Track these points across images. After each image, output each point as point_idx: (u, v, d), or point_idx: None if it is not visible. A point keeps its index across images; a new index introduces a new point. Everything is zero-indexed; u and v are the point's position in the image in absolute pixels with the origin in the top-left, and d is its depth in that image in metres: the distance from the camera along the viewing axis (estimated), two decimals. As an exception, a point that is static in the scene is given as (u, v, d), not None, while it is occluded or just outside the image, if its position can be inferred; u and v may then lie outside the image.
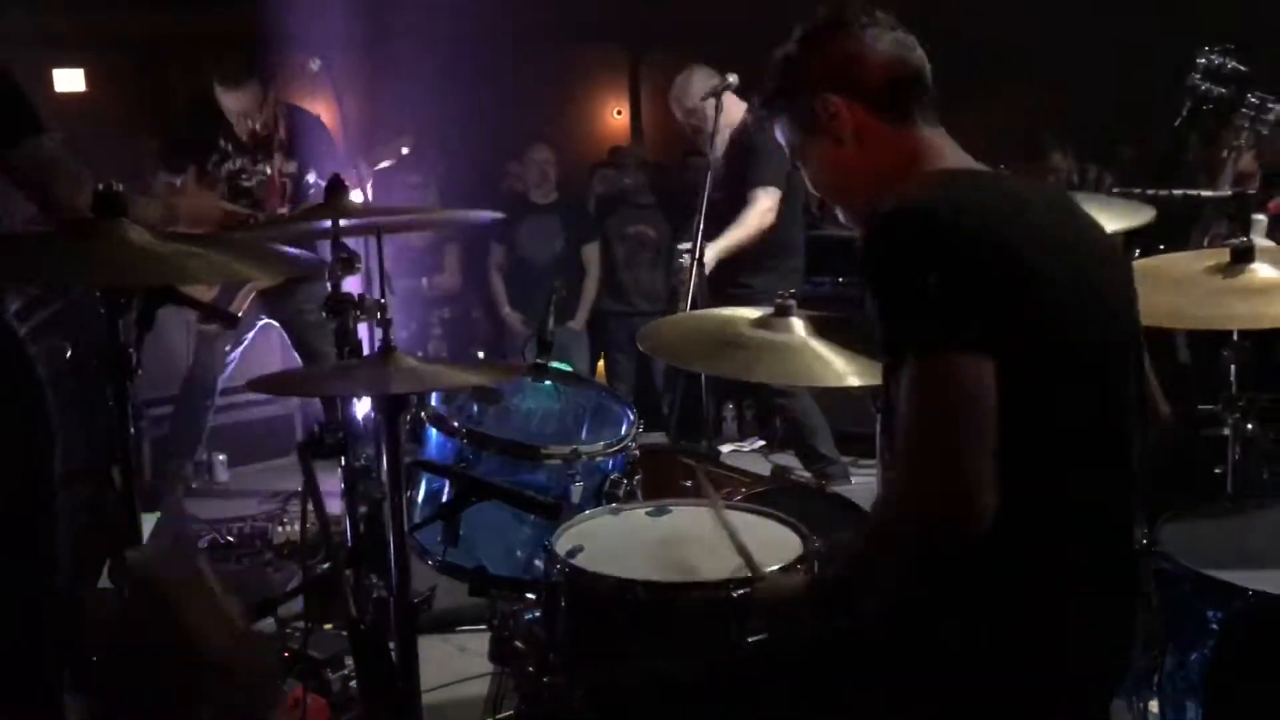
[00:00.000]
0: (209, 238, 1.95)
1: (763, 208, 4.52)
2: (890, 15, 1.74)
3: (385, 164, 4.96)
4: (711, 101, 4.31)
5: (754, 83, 4.55)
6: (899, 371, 1.48)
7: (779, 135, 1.82)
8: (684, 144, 6.07)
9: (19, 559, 2.37)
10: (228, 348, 4.78)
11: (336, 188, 2.29)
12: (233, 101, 4.60)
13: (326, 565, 2.27)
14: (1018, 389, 1.45)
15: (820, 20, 1.75)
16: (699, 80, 4.60)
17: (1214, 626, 1.99)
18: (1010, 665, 1.51)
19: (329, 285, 2.43)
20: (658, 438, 5.06)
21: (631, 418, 2.73)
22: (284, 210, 4.63)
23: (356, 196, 4.31)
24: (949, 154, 1.70)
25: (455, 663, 3.15)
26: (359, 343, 2.42)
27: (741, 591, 1.94)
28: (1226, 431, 2.65)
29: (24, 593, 2.38)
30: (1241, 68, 3.73)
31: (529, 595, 2.43)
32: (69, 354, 2.51)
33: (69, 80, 8.80)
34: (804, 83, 1.72)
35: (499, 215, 3.01)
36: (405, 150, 5.00)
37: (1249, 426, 2.63)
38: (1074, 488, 1.53)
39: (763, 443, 5.70)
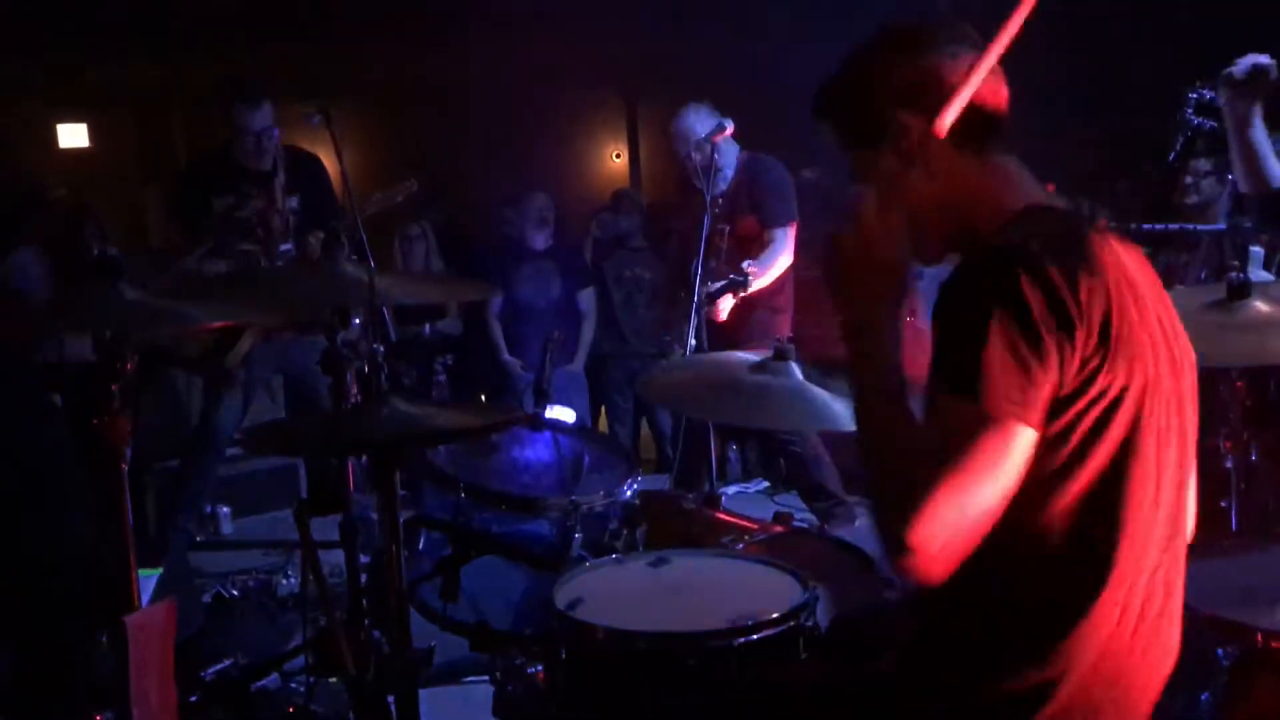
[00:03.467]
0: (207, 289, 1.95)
1: (788, 248, 4.59)
2: (976, 33, 1.59)
3: (384, 205, 4.96)
4: (712, 140, 4.35)
5: (750, 128, 4.65)
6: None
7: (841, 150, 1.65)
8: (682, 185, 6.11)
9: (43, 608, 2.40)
10: (238, 407, 4.78)
11: (331, 242, 2.30)
12: (253, 120, 4.65)
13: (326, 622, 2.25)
14: (1073, 454, 1.42)
15: (905, 29, 1.60)
16: (698, 118, 4.62)
17: (1224, 664, 1.97)
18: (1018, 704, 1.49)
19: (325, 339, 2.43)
20: (663, 480, 5.06)
21: (629, 466, 2.73)
22: (288, 246, 4.67)
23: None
24: (1030, 189, 1.58)
25: (460, 714, 3.12)
26: (355, 396, 2.41)
27: (743, 641, 1.93)
28: (1229, 465, 2.64)
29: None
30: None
31: (532, 647, 2.42)
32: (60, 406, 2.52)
33: (73, 135, 8.90)
34: (878, 93, 1.56)
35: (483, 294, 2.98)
36: (412, 189, 4.99)
37: (1252, 460, 2.62)
38: (1126, 559, 1.47)
39: (767, 484, 5.69)
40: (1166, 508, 1.51)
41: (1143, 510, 1.47)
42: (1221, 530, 2.58)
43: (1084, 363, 1.40)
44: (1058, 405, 1.41)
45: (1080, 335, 1.39)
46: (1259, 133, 2.78)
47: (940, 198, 1.57)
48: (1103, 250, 1.46)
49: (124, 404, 1.85)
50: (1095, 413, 1.42)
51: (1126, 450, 1.45)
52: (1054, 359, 1.38)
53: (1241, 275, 2.44)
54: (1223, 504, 2.70)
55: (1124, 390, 1.43)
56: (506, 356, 6.02)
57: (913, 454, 1.44)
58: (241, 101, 4.67)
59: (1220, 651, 1.98)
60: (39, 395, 2.48)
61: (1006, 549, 1.44)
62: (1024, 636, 1.48)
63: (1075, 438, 1.42)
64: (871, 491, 1.53)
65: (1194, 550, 2.20)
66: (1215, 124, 3.72)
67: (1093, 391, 1.41)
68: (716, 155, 4.34)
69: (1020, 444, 1.39)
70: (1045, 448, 1.42)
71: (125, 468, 1.88)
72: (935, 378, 1.43)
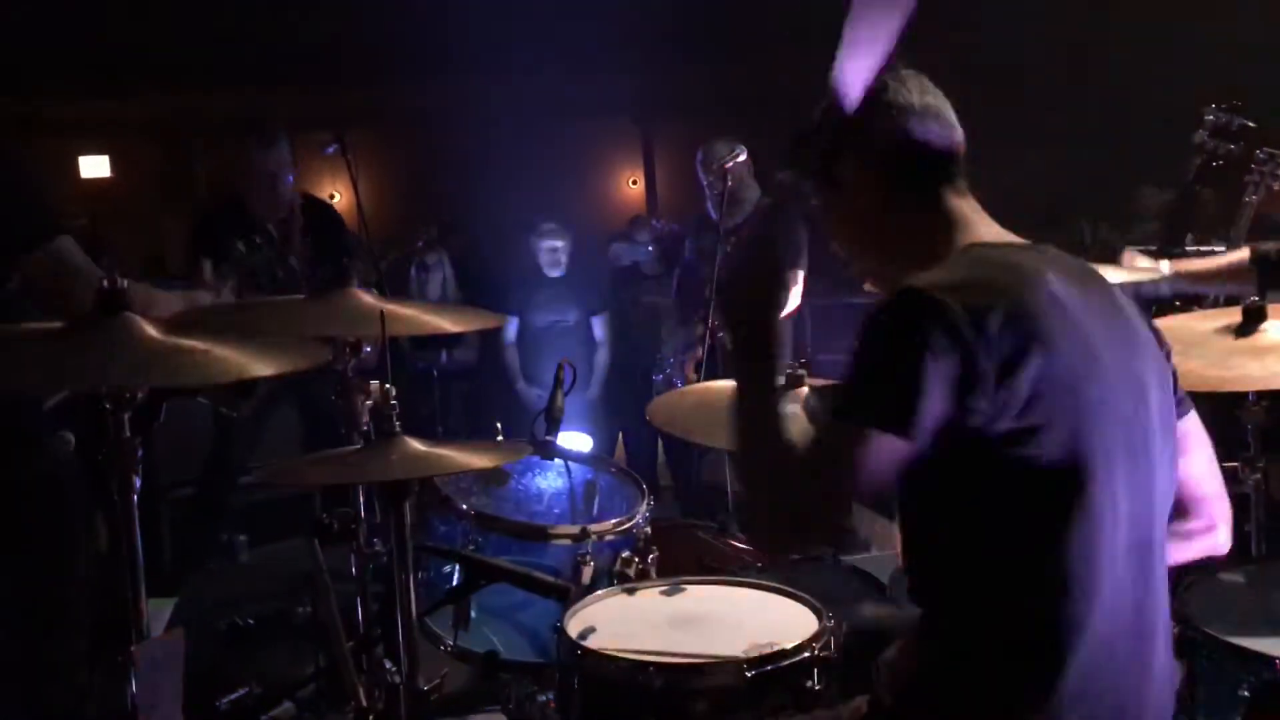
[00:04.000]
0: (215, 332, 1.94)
1: (795, 292, 4.57)
2: (924, 78, 1.67)
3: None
4: (736, 166, 4.36)
5: (763, 156, 4.67)
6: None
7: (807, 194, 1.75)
8: (698, 210, 6.13)
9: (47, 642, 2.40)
10: (251, 429, 4.78)
11: (344, 276, 2.31)
12: (267, 162, 4.57)
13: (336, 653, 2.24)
14: (1026, 477, 1.43)
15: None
16: (725, 148, 4.63)
17: (1244, 694, 1.94)
18: None
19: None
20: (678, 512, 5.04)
21: (641, 495, 2.72)
22: None
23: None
24: (977, 228, 1.63)
25: (474, 746, 3.11)
26: (368, 427, 2.42)
27: (756, 672, 1.91)
28: (1248, 490, 2.60)
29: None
30: (1249, 124, 3.74)
31: (543, 677, 2.40)
32: (72, 445, 2.53)
33: (95, 166, 8.99)
34: (828, 144, 1.66)
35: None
36: (421, 245, 5.03)
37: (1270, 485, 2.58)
38: (1090, 572, 1.47)
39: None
40: (1132, 528, 1.51)
41: (1102, 532, 1.47)
42: (1242, 556, 2.54)
43: (996, 394, 1.41)
44: (982, 438, 1.42)
45: (985, 367, 1.40)
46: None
47: (897, 239, 1.64)
48: (1034, 286, 1.48)
49: (134, 431, 1.85)
50: (1031, 444, 1.43)
51: (1072, 477, 1.45)
52: (951, 388, 1.40)
53: (1258, 299, 2.41)
54: (1246, 528, 2.67)
55: (1052, 422, 1.43)
56: (521, 385, 6.03)
57: (793, 453, 1.49)
58: (255, 142, 4.64)
59: (1240, 680, 1.94)
60: (42, 422, 2.48)
61: (979, 585, 1.49)
62: (1018, 675, 1.48)
63: (1013, 471, 1.44)
64: (746, 469, 1.59)
65: (1214, 577, 2.19)
66: (1233, 145, 3.72)
67: (1015, 424, 1.42)
68: (736, 187, 4.36)
69: (887, 451, 1.41)
70: (989, 480, 1.45)
71: (135, 496, 1.87)
72: (829, 401, 1.50)
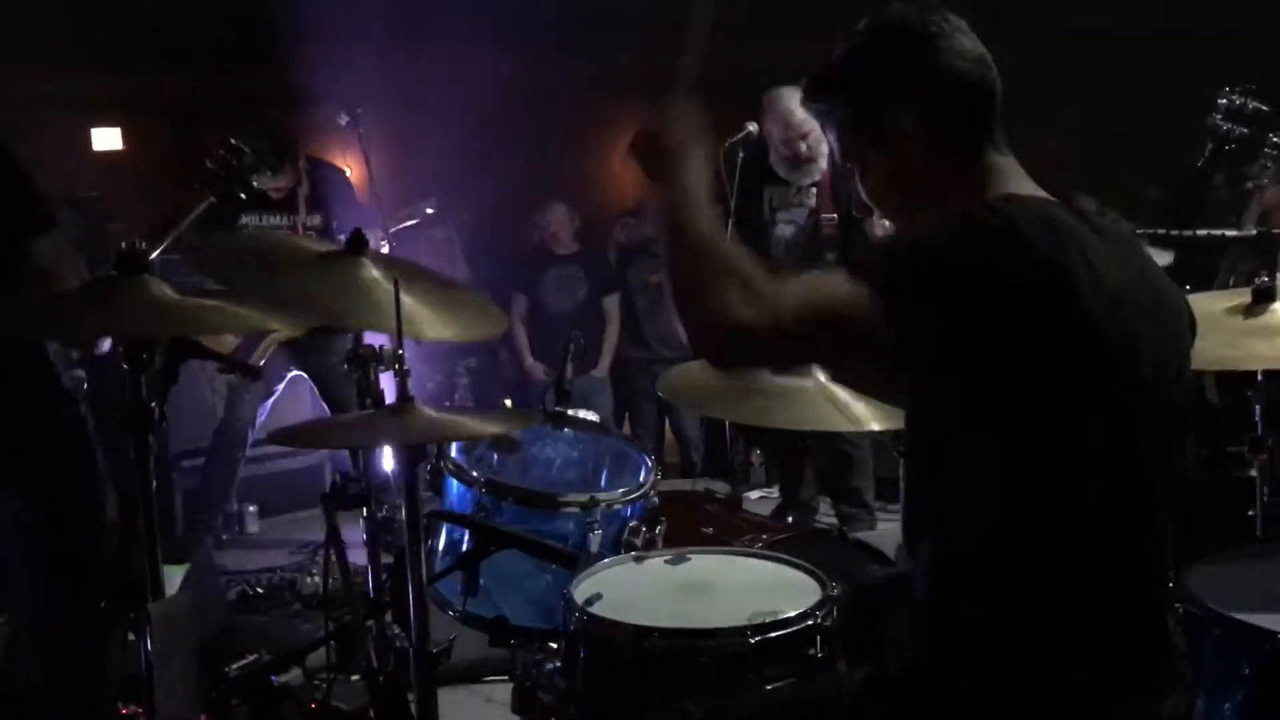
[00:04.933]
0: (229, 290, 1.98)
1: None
2: (968, 26, 1.60)
3: (409, 224, 5.01)
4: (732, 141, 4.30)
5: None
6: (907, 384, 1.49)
7: (828, 134, 1.69)
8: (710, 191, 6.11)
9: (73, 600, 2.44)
10: (260, 400, 4.82)
11: (358, 241, 2.32)
12: (270, 183, 4.63)
13: (348, 617, 2.27)
14: (1027, 426, 1.43)
15: (900, 21, 1.59)
16: (793, 98, 4.29)
17: (1246, 672, 1.95)
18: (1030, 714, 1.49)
19: (351, 337, 2.46)
20: (686, 484, 5.07)
21: (650, 465, 2.74)
22: None
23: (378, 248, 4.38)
24: (1015, 181, 1.57)
25: (482, 714, 3.14)
26: (381, 393, 2.44)
27: (760, 638, 1.93)
28: (1254, 473, 2.62)
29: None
30: (1263, 108, 3.74)
31: (550, 644, 2.43)
32: (85, 383, 2.58)
33: (107, 139, 9.00)
34: (875, 88, 1.58)
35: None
36: (430, 210, 5.05)
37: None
38: (1087, 536, 1.48)
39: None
40: (1143, 493, 1.51)
41: (1113, 494, 1.47)
42: (1247, 536, 2.56)
43: (994, 331, 1.40)
44: (984, 376, 1.43)
45: (989, 299, 1.39)
46: None
47: (937, 190, 1.58)
48: (1053, 239, 1.44)
49: (150, 394, 1.87)
50: (1031, 389, 1.42)
51: (1089, 436, 1.45)
52: (950, 310, 1.40)
53: (1268, 280, 2.42)
54: (1250, 513, 2.68)
55: (1052, 369, 1.42)
56: (531, 360, 6.05)
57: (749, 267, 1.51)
58: (257, 175, 4.65)
59: (1241, 658, 1.96)
60: (59, 389, 2.53)
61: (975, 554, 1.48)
62: (1024, 638, 1.49)
63: (1014, 417, 1.44)
64: (697, 279, 1.53)
65: (1218, 555, 2.20)
66: (1245, 129, 3.72)
67: (1014, 367, 1.42)
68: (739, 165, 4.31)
69: (868, 314, 1.40)
70: (989, 427, 1.45)
71: (151, 458, 1.90)
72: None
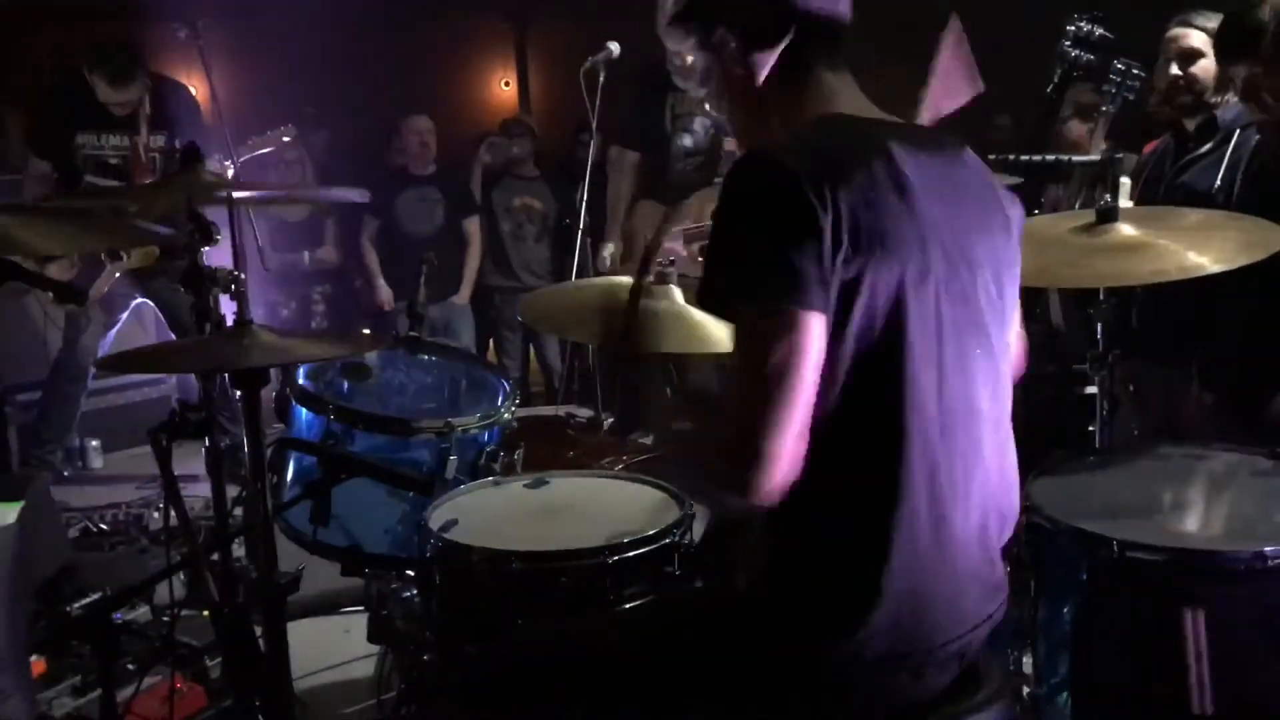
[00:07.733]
0: (51, 210, 1.84)
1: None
2: None
3: (264, 151, 4.82)
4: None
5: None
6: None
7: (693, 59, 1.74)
8: (574, 118, 6.00)
9: None
10: (102, 330, 4.60)
11: (191, 157, 2.19)
12: (118, 96, 4.48)
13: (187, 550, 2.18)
14: (847, 350, 1.45)
15: None
16: None
17: (1084, 577, 2.02)
18: (872, 625, 1.50)
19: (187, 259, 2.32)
20: (549, 411, 5.03)
21: (509, 389, 2.69)
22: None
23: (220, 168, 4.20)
24: (842, 100, 1.63)
25: (340, 645, 3.08)
26: (222, 318, 2.32)
27: (617, 558, 1.92)
28: (1093, 389, 2.71)
29: None
30: (1109, 35, 3.82)
31: (408, 573, 2.38)
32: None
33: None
34: (703, 11, 1.66)
35: (359, 197, 2.90)
36: (287, 139, 4.87)
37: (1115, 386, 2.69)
38: (917, 451, 1.49)
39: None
40: (956, 401, 1.53)
41: (924, 403, 1.49)
42: (1087, 449, 2.65)
43: (832, 254, 1.42)
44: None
45: (825, 226, 1.41)
46: None
47: (772, 109, 1.64)
48: (874, 157, 1.49)
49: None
50: (853, 305, 1.44)
51: (892, 342, 1.47)
52: (807, 245, 1.41)
53: (1110, 202, 2.48)
54: (1090, 429, 2.78)
55: (876, 282, 1.45)
56: (381, 284, 5.89)
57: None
58: (110, 80, 4.45)
59: (1080, 565, 2.03)
60: None
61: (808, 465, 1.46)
62: (841, 549, 1.50)
63: (837, 340, 1.45)
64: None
65: (1061, 468, 2.28)
66: (1092, 56, 3.80)
67: (842, 283, 1.43)
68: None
69: (811, 328, 1.41)
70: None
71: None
72: (710, 295, 1.49)
